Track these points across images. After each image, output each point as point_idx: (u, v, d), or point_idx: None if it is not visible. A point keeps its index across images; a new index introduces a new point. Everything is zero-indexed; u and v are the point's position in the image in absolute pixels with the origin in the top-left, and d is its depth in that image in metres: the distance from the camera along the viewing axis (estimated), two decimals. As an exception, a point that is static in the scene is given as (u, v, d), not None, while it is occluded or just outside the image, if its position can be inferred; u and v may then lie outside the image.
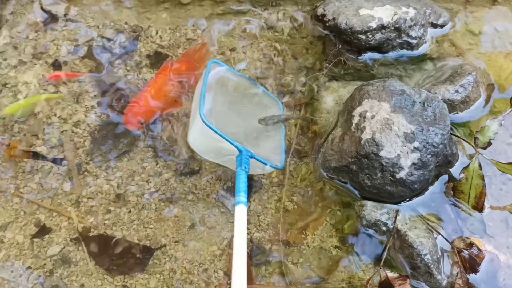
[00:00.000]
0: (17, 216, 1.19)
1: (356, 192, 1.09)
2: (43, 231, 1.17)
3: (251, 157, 1.07)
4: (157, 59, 1.33)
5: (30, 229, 1.18)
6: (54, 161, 1.24)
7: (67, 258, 1.14)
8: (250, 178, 1.16)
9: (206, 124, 1.03)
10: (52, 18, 1.40)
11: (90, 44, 1.37)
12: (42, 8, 1.41)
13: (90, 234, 1.16)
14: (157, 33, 1.38)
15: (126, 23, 1.39)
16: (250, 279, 1.04)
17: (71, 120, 1.28)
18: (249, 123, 1.21)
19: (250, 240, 1.13)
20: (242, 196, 1.01)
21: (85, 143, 1.26)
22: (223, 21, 1.39)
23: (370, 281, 0.94)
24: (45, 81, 1.31)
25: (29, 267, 1.13)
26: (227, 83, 1.23)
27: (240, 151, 1.06)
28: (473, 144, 1.05)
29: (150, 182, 1.21)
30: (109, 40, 1.37)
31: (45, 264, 1.13)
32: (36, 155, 1.25)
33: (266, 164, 1.09)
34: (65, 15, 1.41)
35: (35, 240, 1.16)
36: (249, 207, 1.16)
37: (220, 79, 1.21)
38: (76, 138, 1.27)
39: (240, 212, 0.99)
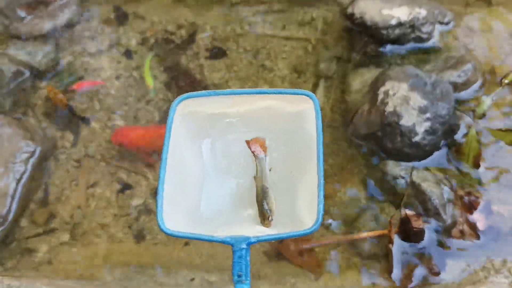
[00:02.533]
0: (103, 176, 1.47)
1: (380, 154, 1.38)
2: (126, 187, 1.46)
3: (252, 243, 0.70)
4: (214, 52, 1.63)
5: (115, 186, 1.46)
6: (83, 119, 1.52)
7: (148, 209, 1.42)
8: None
9: (170, 234, 0.72)
10: (122, 15, 1.69)
11: (156, 37, 1.65)
12: (114, 7, 1.69)
13: (164, 190, 1.45)
14: (211, 28, 1.67)
15: (185, 19, 1.68)
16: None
17: (144, 99, 1.57)
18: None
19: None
20: None
21: (155, 117, 1.55)
22: (265, 18, 1.68)
23: (393, 218, 1.23)
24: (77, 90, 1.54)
25: (116, 214, 1.42)
26: (204, 116, 0.83)
27: (229, 244, 0.70)
28: (471, 116, 1.34)
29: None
30: (171, 34, 1.66)
31: (130, 212, 1.42)
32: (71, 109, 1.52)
33: (288, 237, 0.76)
34: (133, 12, 1.69)
35: (120, 194, 1.45)
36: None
37: (191, 117, 0.82)
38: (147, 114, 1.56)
39: None
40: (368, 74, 1.49)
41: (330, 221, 1.35)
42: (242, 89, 1.14)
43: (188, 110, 0.81)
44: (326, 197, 1.39)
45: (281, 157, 0.83)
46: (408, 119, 1.30)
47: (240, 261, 0.69)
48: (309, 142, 0.78)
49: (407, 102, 1.31)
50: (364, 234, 1.28)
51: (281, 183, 0.81)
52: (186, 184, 0.79)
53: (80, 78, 1.60)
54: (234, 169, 0.84)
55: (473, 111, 1.35)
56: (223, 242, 0.70)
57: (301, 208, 0.76)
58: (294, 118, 0.81)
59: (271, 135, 0.83)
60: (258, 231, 0.74)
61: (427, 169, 1.35)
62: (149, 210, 1.41)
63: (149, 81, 1.51)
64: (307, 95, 0.80)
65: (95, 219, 1.41)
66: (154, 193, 1.44)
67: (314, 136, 0.77)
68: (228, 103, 0.82)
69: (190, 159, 0.82)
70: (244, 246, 0.69)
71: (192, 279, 1.28)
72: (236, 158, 0.84)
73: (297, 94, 0.82)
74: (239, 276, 0.68)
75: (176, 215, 0.74)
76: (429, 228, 1.27)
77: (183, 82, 1.59)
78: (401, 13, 1.46)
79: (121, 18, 1.68)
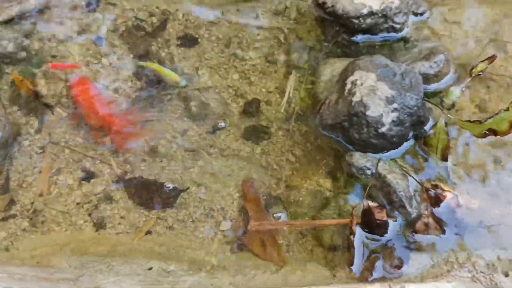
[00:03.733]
0: (67, 163, 1.44)
1: (347, 145, 1.35)
2: (89, 175, 1.43)
3: None
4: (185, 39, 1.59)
5: (78, 174, 1.43)
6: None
7: (109, 196, 1.39)
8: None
9: None
10: (94, 1, 1.66)
11: (127, 24, 1.62)
12: (85, -7, 1.67)
13: (128, 178, 1.42)
14: (183, 16, 1.64)
15: (157, 7, 1.65)
16: (262, 213, 1.31)
17: (112, 85, 1.54)
18: None
19: (262, 183, 1.39)
20: None
21: (122, 106, 1.52)
22: (237, 7, 1.65)
23: (355, 209, 1.20)
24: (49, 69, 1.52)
25: (79, 203, 1.39)
26: None
27: None
28: (440, 106, 1.31)
29: (177, 138, 1.47)
30: (142, 20, 1.63)
31: (91, 200, 1.39)
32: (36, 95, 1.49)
33: None
34: (105, -1, 1.66)
35: (83, 182, 1.42)
36: (260, 159, 1.42)
37: None
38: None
39: None
40: (339, 64, 1.46)
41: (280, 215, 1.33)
42: None
43: None
44: (291, 188, 1.37)
45: None
46: (375, 110, 1.27)
47: None
48: None
49: (374, 92, 1.28)
50: (326, 222, 1.25)
51: None
52: None
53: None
54: None
55: (442, 101, 1.32)
56: None
57: None
58: None
59: None
60: None
61: (394, 160, 1.32)
62: (111, 198, 1.38)
63: (173, 76, 1.51)
64: None
65: (56, 207, 1.38)
66: (117, 181, 1.41)
67: None
68: None
69: None
70: None
71: (150, 268, 1.25)
72: None
73: None
74: None
75: None
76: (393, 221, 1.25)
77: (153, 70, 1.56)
78: (373, 2, 1.43)
79: (92, 4, 1.65)
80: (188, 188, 1.40)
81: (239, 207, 1.37)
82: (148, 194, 1.39)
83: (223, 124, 1.47)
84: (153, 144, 1.45)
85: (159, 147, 1.45)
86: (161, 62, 1.56)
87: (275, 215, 1.34)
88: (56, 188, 1.41)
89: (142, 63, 1.54)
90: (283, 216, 1.34)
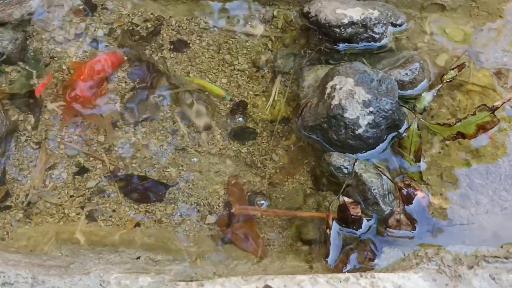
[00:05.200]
0: (61, 159, 1.52)
1: (326, 146, 1.44)
2: (82, 170, 1.50)
3: None
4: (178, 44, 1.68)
5: (71, 169, 1.50)
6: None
7: (102, 190, 1.47)
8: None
9: None
10: (91, 6, 1.74)
11: (122, 29, 1.71)
12: (83, -2, 1.75)
13: (119, 173, 1.49)
14: (176, 22, 1.72)
15: (152, 13, 1.73)
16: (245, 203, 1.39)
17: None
18: None
19: (247, 180, 1.47)
20: None
21: (116, 105, 1.60)
22: (228, 15, 1.74)
23: (331, 205, 1.29)
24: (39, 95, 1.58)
25: (72, 196, 1.46)
26: None
27: None
28: (413, 111, 1.40)
29: (168, 137, 1.54)
30: (137, 26, 1.71)
31: (84, 193, 1.46)
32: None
33: None
34: (102, 4, 1.74)
35: (76, 176, 1.49)
36: (245, 157, 1.51)
37: None
38: (108, 101, 1.60)
39: None
40: (321, 71, 1.55)
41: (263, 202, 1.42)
42: None
43: None
44: (274, 185, 1.45)
45: None
46: (352, 112, 1.35)
47: None
48: None
49: (352, 96, 1.36)
50: (304, 214, 1.34)
51: None
52: None
53: (47, 65, 1.64)
54: None
55: (414, 105, 1.41)
56: None
57: None
58: None
59: None
60: None
61: (370, 161, 1.40)
62: (103, 192, 1.46)
63: (217, 90, 1.59)
64: None
65: (50, 199, 1.45)
66: (109, 176, 1.48)
67: None
68: None
69: None
70: None
71: (138, 258, 1.32)
72: None
73: None
74: None
75: None
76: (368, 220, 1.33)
77: (146, 73, 1.64)
78: (354, 13, 1.52)
79: (90, 8, 1.74)
80: (176, 184, 1.47)
81: (225, 203, 1.44)
82: (138, 189, 1.47)
83: (228, 97, 1.58)
84: (146, 142, 1.53)
85: (150, 145, 1.53)
86: (154, 65, 1.65)
87: (258, 202, 1.43)
88: (51, 182, 1.48)
89: (187, 77, 1.63)
90: (265, 204, 1.42)
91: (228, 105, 1.60)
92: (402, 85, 1.48)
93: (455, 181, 1.44)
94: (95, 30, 1.71)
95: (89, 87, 1.60)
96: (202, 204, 1.45)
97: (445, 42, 1.66)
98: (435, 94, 1.41)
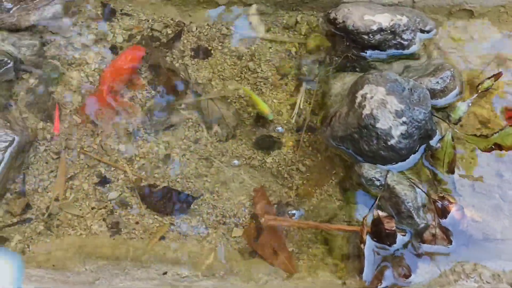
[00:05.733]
0: (82, 169, 1.47)
1: (356, 157, 1.39)
2: (104, 181, 1.46)
3: None
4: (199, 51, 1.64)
5: (93, 179, 1.46)
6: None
7: (124, 202, 1.42)
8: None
9: None
10: (110, 11, 1.70)
11: (142, 35, 1.67)
12: (102, 3, 1.71)
13: (142, 184, 1.45)
14: (196, 28, 1.68)
15: (172, 19, 1.69)
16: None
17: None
18: None
19: (273, 191, 1.43)
20: None
21: (138, 114, 1.56)
22: (250, 21, 1.69)
23: (365, 218, 1.24)
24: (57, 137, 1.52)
25: (94, 207, 1.42)
26: None
27: None
28: (447, 121, 1.36)
29: (191, 146, 1.50)
30: (157, 31, 1.67)
31: (106, 205, 1.42)
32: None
33: None
34: (121, 9, 1.70)
35: (97, 187, 1.45)
36: (271, 168, 1.46)
37: None
38: (129, 110, 1.56)
39: None
40: (349, 78, 1.51)
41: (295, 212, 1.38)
42: None
43: None
44: (301, 197, 1.41)
45: None
46: (385, 122, 1.31)
47: None
48: None
49: (384, 105, 1.32)
50: (337, 226, 1.30)
51: None
52: None
53: (63, 74, 1.60)
54: None
55: (449, 115, 1.37)
56: None
57: None
58: None
59: None
60: None
61: (402, 172, 1.36)
62: (125, 204, 1.42)
63: (264, 107, 1.50)
64: None
65: (71, 211, 1.41)
66: (132, 187, 1.44)
67: None
68: None
69: None
70: None
71: (165, 273, 1.28)
72: None
73: None
74: None
75: None
76: (402, 230, 1.29)
77: (167, 80, 1.60)
78: (383, 19, 1.48)
79: (109, 14, 1.70)
80: (201, 195, 1.43)
81: (251, 215, 1.40)
82: (162, 200, 1.43)
83: (280, 129, 1.51)
84: (167, 152, 1.49)
85: (172, 155, 1.49)
86: (175, 72, 1.61)
87: (289, 212, 1.39)
88: (72, 193, 1.44)
89: (242, 86, 1.58)
90: (297, 214, 1.38)
91: (252, 114, 1.55)
92: (433, 93, 1.44)
93: (487, 192, 1.40)
94: (114, 36, 1.67)
95: (120, 81, 1.59)
96: (227, 216, 1.41)
97: (474, 48, 1.61)
98: (469, 104, 1.37)
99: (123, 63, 1.61)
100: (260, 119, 1.54)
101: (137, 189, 1.44)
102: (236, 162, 1.48)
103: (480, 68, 1.57)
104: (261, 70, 1.62)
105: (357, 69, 1.55)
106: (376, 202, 1.28)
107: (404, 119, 1.31)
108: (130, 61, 1.61)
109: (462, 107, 1.36)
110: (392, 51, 1.55)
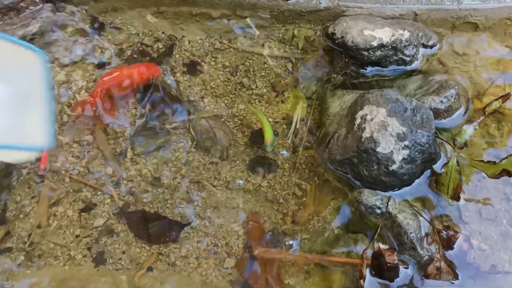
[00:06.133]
0: (67, 194, 1.40)
1: (355, 182, 1.31)
2: (89, 206, 1.39)
3: None
4: (191, 66, 1.56)
5: (78, 205, 1.39)
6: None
7: (110, 230, 1.35)
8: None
9: None
10: (98, 25, 1.62)
11: (132, 49, 1.59)
12: (90, 16, 1.63)
13: (130, 210, 1.38)
14: (189, 42, 1.61)
15: (163, 32, 1.61)
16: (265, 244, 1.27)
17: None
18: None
19: (268, 217, 1.35)
20: None
21: (125, 134, 1.48)
22: (244, 35, 1.62)
23: (365, 252, 1.16)
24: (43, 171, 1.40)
25: (78, 235, 1.34)
26: None
27: None
28: (452, 145, 1.28)
29: (182, 169, 1.43)
30: (148, 46, 1.60)
31: (91, 233, 1.35)
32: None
33: (20, 149, 0.93)
34: (110, 23, 1.63)
35: (82, 214, 1.38)
36: (266, 192, 1.39)
37: None
38: (117, 129, 1.49)
39: None
40: (348, 96, 1.43)
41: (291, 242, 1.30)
42: None
43: None
44: (298, 224, 1.33)
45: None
46: (386, 146, 1.23)
47: None
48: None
49: (385, 128, 1.24)
50: (335, 259, 1.22)
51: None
52: None
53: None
54: None
55: (455, 140, 1.28)
56: None
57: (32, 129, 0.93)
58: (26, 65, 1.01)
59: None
60: None
61: (404, 199, 1.28)
62: (111, 231, 1.34)
63: (269, 135, 1.37)
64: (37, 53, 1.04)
65: (54, 240, 1.33)
66: (118, 213, 1.37)
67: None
68: None
69: None
70: None
71: (151, 308, 1.20)
72: None
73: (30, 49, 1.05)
74: None
75: None
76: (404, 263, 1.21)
77: (157, 98, 1.52)
78: (384, 35, 1.40)
79: (97, 28, 1.62)
80: (191, 222, 1.35)
81: (244, 243, 1.33)
82: (150, 227, 1.35)
83: (285, 153, 1.43)
84: (157, 175, 1.42)
85: (162, 178, 1.41)
86: (166, 89, 1.53)
87: (285, 242, 1.31)
88: (55, 220, 1.36)
89: (252, 107, 1.50)
90: (294, 244, 1.30)
91: (246, 133, 1.48)
92: (436, 113, 1.36)
93: (495, 218, 1.32)
94: (102, 51, 1.59)
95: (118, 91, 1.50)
96: (219, 245, 1.33)
97: (479, 63, 1.53)
98: (476, 128, 1.28)
99: (132, 76, 1.50)
100: (256, 139, 1.46)
101: (124, 215, 1.37)
102: (241, 182, 1.40)
103: (486, 84, 1.49)
104: (256, 87, 1.54)
105: (357, 87, 1.47)
106: (377, 233, 1.20)
107: (406, 142, 1.23)
108: (140, 76, 1.50)
109: (468, 131, 1.27)
110: (393, 68, 1.47)
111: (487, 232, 1.30)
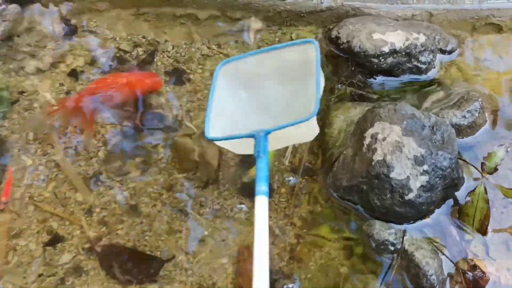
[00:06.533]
0: (30, 224, 1.21)
1: (363, 212, 1.12)
2: (55, 239, 1.20)
3: (268, 133, 0.99)
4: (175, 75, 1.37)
5: (42, 237, 1.20)
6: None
7: (79, 267, 1.16)
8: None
9: (212, 139, 1.05)
10: (71, 29, 1.43)
11: (108, 56, 1.40)
12: (61, 18, 1.44)
13: (102, 244, 1.19)
14: (173, 47, 1.42)
15: (143, 36, 1.43)
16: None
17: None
18: (276, 94, 1.14)
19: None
20: (261, 185, 0.93)
21: (99, 154, 1.29)
22: (236, 39, 1.43)
23: (378, 300, 0.98)
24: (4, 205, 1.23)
25: (41, 274, 1.15)
26: (239, 70, 1.18)
27: (252, 136, 1.00)
28: (480, 170, 1.09)
29: (163, 194, 1.24)
30: (126, 52, 1.41)
31: (56, 272, 1.16)
32: None
33: (294, 124, 0.97)
34: (84, 26, 1.44)
35: (47, 248, 1.19)
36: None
37: (229, 73, 1.17)
38: (90, 148, 1.30)
39: (260, 204, 0.90)
40: (355, 110, 1.24)
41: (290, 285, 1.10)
42: (262, 49, 1.20)
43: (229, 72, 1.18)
44: (297, 261, 1.14)
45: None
46: (401, 172, 1.04)
47: (259, 145, 0.99)
48: (309, 71, 1.06)
49: (400, 149, 1.05)
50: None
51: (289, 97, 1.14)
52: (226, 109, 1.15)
53: (14, 103, 1.34)
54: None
55: (482, 163, 1.09)
56: (247, 136, 1.02)
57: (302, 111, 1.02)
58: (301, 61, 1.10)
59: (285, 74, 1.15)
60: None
61: (422, 233, 1.09)
62: (80, 269, 1.15)
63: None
64: (309, 42, 1.09)
65: (13, 280, 1.14)
66: (88, 248, 1.17)
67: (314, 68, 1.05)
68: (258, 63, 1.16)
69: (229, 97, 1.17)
70: (261, 134, 1.01)
71: None
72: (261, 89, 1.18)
73: (302, 43, 1.11)
74: (258, 152, 0.98)
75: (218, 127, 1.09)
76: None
77: (136, 112, 1.33)
78: (396, 39, 1.21)
79: (69, 32, 1.43)
80: (173, 258, 1.16)
81: (234, 283, 1.13)
82: (125, 264, 1.16)
83: (292, 179, 1.24)
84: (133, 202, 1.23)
85: (140, 205, 1.22)
86: (146, 101, 1.34)
87: (285, 286, 1.11)
88: (16, 256, 1.17)
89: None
90: (294, 286, 1.11)
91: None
92: (458, 130, 1.17)
93: (525, 251, 1.13)
94: (75, 58, 1.40)
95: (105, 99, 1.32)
96: (205, 285, 1.13)
97: (504, 70, 1.34)
98: (508, 150, 1.09)
99: (128, 85, 1.31)
100: (248, 159, 1.27)
101: (95, 249, 1.17)
102: (243, 206, 1.21)
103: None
104: (249, 99, 1.35)
105: (364, 98, 1.28)
106: (392, 278, 1.01)
107: (425, 167, 1.04)
108: (137, 87, 1.31)
109: (499, 153, 1.08)
110: (407, 77, 1.28)
111: (517, 268, 1.11)
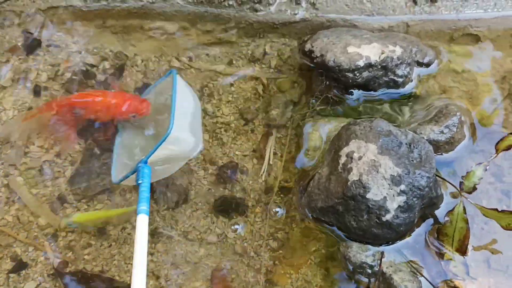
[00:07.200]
0: (-9, 250, 1.15)
1: (340, 233, 1.09)
2: (19, 266, 1.14)
3: (145, 162, 1.07)
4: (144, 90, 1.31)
5: (6, 264, 1.13)
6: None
7: (44, 296, 1.10)
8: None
9: (117, 183, 1.12)
10: (34, 42, 1.37)
11: (73, 71, 1.34)
12: (24, 32, 1.37)
13: (68, 270, 1.13)
14: (142, 61, 1.36)
15: (110, 50, 1.36)
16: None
17: (52, 150, 1.25)
18: (155, 124, 1.21)
19: (236, 275, 1.11)
20: (142, 205, 1.01)
21: (66, 174, 1.23)
22: (207, 52, 1.38)
23: (355, 328, 0.94)
24: None
25: (3, 305, 1.09)
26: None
27: (136, 170, 1.07)
28: (458, 188, 1.06)
29: (132, 216, 1.18)
30: (92, 66, 1.35)
31: (20, 302, 1.10)
32: None
33: (159, 146, 1.04)
34: (47, 39, 1.37)
35: (11, 275, 1.12)
36: (234, 243, 1.15)
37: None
38: (55, 168, 1.23)
39: (141, 222, 0.98)
40: (330, 126, 1.20)
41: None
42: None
43: None
44: (273, 284, 1.10)
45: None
46: (377, 192, 1.01)
47: (139, 173, 1.06)
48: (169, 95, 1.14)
49: (376, 169, 1.02)
50: None
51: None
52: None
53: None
54: None
55: (461, 182, 1.06)
56: (134, 171, 1.08)
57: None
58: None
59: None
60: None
61: (401, 254, 1.06)
62: (45, 300, 1.09)
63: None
64: (170, 73, 1.21)
65: (-29, 313, 1.08)
66: (54, 274, 1.11)
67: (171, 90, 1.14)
68: None
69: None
70: (141, 164, 1.07)
71: None
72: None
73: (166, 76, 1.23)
74: (138, 178, 1.06)
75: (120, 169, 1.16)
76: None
77: (103, 129, 1.27)
78: (371, 52, 1.18)
79: (31, 46, 1.36)
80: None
81: (208, 309, 1.09)
82: (92, 292, 1.11)
83: (280, 210, 1.19)
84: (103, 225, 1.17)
85: (108, 228, 1.17)
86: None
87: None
88: (-25, 285, 1.11)
89: None
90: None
91: (210, 171, 1.24)
92: (436, 146, 1.14)
93: (506, 268, 1.10)
94: (38, 73, 1.34)
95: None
96: (177, 312, 1.09)
97: (481, 82, 1.32)
98: (487, 169, 1.06)
99: (111, 105, 1.20)
100: (223, 176, 1.22)
101: (60, 276, 1.12)
102: (238, 227, 1.17)
103: (491, 107, 1.27)
104: (222, 114, 1.30)
105: (340, 113, 1.24)
106: (368, 302, 0.98)
107: (402, 187, 1.01)
108: (121, 109, 1.20)
109: (477, 172, 1.05)
110: (383, 91, 1.24)
111: (498, 285, 1.09)
